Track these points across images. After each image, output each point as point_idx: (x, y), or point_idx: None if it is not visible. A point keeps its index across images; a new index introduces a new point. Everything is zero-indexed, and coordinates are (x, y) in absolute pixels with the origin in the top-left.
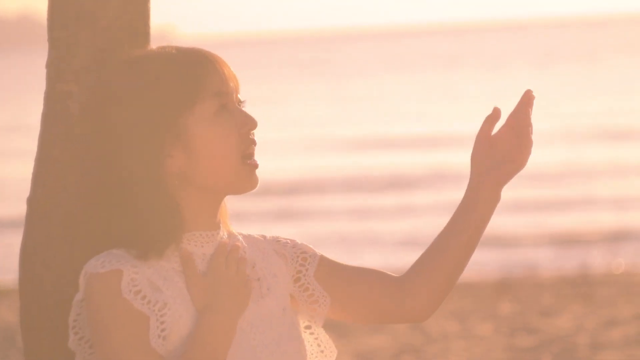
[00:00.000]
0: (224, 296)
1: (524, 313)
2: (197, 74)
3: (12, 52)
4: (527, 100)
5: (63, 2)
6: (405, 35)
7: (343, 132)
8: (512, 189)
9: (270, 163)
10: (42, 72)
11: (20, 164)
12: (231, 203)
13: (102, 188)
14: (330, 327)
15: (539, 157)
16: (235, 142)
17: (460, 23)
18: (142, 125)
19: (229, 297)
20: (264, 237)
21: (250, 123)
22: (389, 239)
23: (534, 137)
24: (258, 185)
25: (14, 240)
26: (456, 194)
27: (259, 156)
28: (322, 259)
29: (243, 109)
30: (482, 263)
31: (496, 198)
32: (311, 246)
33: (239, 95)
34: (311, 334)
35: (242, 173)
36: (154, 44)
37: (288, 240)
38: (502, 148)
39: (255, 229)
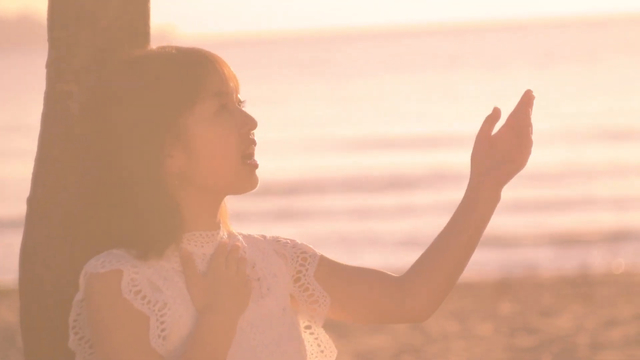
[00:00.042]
0: (224, 296)
1: (524, 313)
2: (197, 74)
3: (11, 52)
4: (527, 100)
5: (63, 2)
6: (405, 35)
7: (343, 132)
8: (513, 189)
9: (270, 163)
10: (41, 72)
11: (20, 164)
12: (231, 203)
13: (102, 188)
14: (330, 327)
15: (539, 157)
16: (235, 142)
17: (460, 23)
18: (142, 126)
19: (229, 297)
20: (264, 237)
21: (250, 123)
22: (388, 239)
23: (534, 137)
24: (258, 185)
25: (14, 240)
26: (456, 194)
27: (258, 156)
28: (322, 259)
29: (243, 109)
30: (482, 263)
31: (496, 198)
32: (311, 246)
33: (239, 95)
34: (311, 334)
35: (242, 173)
36: (154, 44)
37: (288, 240)
38: (502, 148)
39: (255, 229)
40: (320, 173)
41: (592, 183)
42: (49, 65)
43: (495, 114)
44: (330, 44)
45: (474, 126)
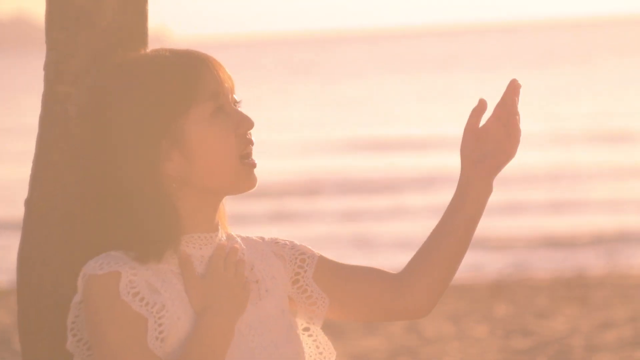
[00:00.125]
0: (223, 298)
1: (519, 315)
2: (191, 76)
3: (6, 53)
4: (513, 89)
5: (61, 3)
6: (399, 37)
7: (336, 134)
8: (508, 191)
9: (263, 165)
10: (36, 74)
11: (17, 165)
12: (227, 205)
13: (100, 191)
14: (325, 328)
15: (534, 158)
16: (233, 143)
17: (454, 25)
18: (138, 130)
19: (228, 299)
20: (263, 238)
21: (246, 123)
22: (382, 241)
23: (535, 139)
24: (257, 184)
25: (10, 242)
26: (450, 196)
27: (256, 156)
28: (321, 260)
29: (239, 109)
30: (478, 265)
31: (488, 190)
32: (310, 247)
33: (234, 96)
34: (309, 336)
35: (241, 173)
36: (148, 47)
37: (287, 242)
38: (490, 139)
39: (248, 231)
40: (314, 175)
41: (588, 185)
42: (46, 67)
43: (481, 106)
44: (324, 46)
45: None
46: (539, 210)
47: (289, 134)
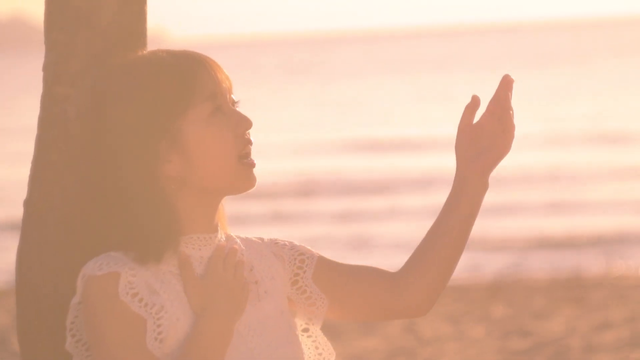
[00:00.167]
0: (222, 299)
1: (516, 316)
2: (189, 77)
3: (3, 54)
4: (506, 84)
5: (60, 4)
6: (397, 38)
7: (334, 135)
8: (505, 192)
9: (260, 165)
10: (34, 75)
11: (16, 166)
12: (224, 206)
13: (99, 192)
14: (323, 329)
15: (531, 159)
16: (231, 143)
17: (453, 26)
18: (136, 132)
19: (227, 300)
20: (262, 239)
21: (245, 123)
22: (379, 242)
23: (533, 139)
24: (256, 183)
25: (8, 243)
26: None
27: (254, 156)
28: (321, 260)
29: (237, 109)
30: (475, 266)
31: (484, 186)
32: (309, 247)
33: (232, 96)
34: (309, 336)
35: (240, 173)
36: (147, 47)
37: (286, 242)
38: (485, 135)
39: (244, 232)
40: (310, 176)
41: (585, 186)
42: (45, 68)
43: (474, 102)
44: (321, 47)
45: None
46: (536, 211)
47: (286, 134)
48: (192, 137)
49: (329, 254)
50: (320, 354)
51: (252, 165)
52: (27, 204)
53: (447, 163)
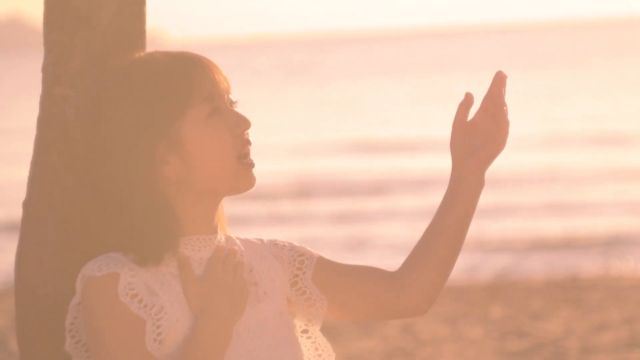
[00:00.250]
0: (221, 301)
1: (514, 317)
2: (186, 79)
3: (1, 55)
4: (499, 80)
5: (59, 5)
6: (395, 39)
7: (331, 136)
8: (503, 193)
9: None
10: (32, 76)
11: (15, 167)
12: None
13: (97, 194)
14: (321, 329)
15: (528, 160)
16: (230, 143)
17: (451, 27)
18: (134, 134)
19: (226, 301)
20: (262, 240)
21: (243, 123)
22: (375, 243)
23: (530, 140)
24: (255, 183)
25: (6, 244)
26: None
27: (254, 156)
28: (320, 260)
29: (235, 109)
30: (473, 267)
31: (480, 183)
32: (309, 248)
33: (230, 96)
34: (308, 338)
35: (240, 173)
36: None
37: (286, 243)
38: (479, 132)
39: (240, 234)
40: (307, 177)
41: (582, 187)
42: (44, 69)
43: (467, 100)
44: (319, 48)
45: None
46: (534, 212)
47: (282, 135)
48: (191, 138)
49: (326, 255)
50: (319, 355)
51: (252, 165)
52: (27, 204)
53: (444, 164)
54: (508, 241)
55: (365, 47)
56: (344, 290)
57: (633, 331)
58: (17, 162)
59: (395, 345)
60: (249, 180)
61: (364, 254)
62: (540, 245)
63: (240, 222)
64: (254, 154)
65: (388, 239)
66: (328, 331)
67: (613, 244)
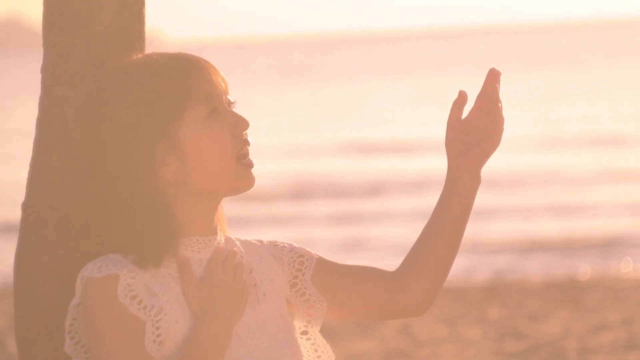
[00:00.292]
0: (221, 302)
1: (512, 318)
2: (184, 80)
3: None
4: (493, 77)
5: (59, 6)
6: (394, 40)
7: (328, 137)
8: (500, 194)
9: (255, 167)
10: (31, 76)
11: (14, 168)
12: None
13: (97, 195)
14: (319, 330)
15: (526, 161)
16: (229, 144)
17: (449, 28)
18: (133, 136)
19: (226, 302)
20: (261, 241)
21: (242, 123)
22: (372, 244)
23: (528, 142)
24: (255, 183)
25: (5, 245)
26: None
27: (253, 157)
28: (320, 261)
29: (234, 110)
30: (471, 268)
31: (476, 181)
32: (308, 249)
33: (228, 97)
34: (308, 339)
35: (239, 173)
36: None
37: (285, 244)
38: (474, 130)
39: (238, 235)
40: (304, 178)
41: (580, 188)
42: (44, 70)
43: (461, 98)
44: (317, 49)
45: None
46: (532, 213)
47: (280, 136)
48: (189, 140)
49: (324, 256)
50: (319, 357)
51: (251, 165)
52: (26, 205)
53: (441, 165)
54: (506, 242)
55: (364, 48)
56: (344, 291)
57: (631, 332)
58: (16, 163)
59: (394, 346)
60: (249, 180)
61: (362, 255)
62: (538, 246)
63: (238, 223)
64: (253, 155)
65: (385, 240)
66: (326, 332)
67: (611, 244)
